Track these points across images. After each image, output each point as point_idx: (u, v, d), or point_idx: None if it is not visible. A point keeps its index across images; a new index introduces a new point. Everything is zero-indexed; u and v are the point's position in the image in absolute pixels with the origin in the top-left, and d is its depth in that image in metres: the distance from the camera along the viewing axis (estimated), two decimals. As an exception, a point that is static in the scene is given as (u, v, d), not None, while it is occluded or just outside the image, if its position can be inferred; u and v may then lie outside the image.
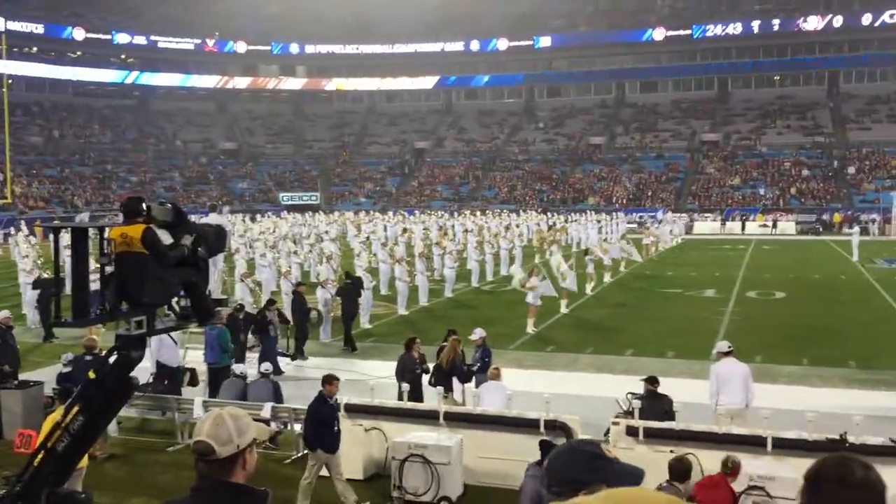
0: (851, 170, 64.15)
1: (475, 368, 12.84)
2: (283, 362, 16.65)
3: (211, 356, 13.83)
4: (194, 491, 2.87)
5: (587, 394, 14.27)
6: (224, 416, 2.86)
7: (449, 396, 12.03)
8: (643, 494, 1.45)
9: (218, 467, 2.80)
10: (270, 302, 17.18)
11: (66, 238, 7.33)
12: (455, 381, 12.47)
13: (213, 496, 2.81)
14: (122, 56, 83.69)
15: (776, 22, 76.57)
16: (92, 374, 6.62)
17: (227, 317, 16.43)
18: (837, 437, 8.94)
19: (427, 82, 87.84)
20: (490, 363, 12.59)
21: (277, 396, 12.05)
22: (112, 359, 6.68)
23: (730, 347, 11.39)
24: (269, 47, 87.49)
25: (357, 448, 10.45)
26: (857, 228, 41.74)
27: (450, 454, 9.57)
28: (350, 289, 19.17)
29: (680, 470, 6.93)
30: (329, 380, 9.77)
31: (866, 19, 72.98)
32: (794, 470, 8.21)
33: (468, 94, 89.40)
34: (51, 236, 8.52)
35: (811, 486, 2.10)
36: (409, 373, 12.01)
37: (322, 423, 9.42)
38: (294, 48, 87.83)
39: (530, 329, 20.09)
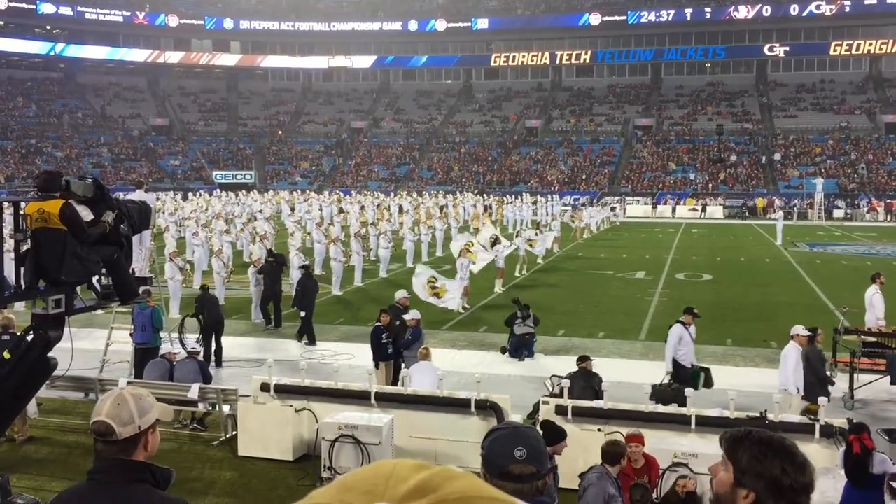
0: (777, 156, 66.02)
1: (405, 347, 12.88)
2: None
3: (142, 336, 13.25)
4: (91, 474, 2.74)
5: (518, 374, 14.45)
6: (125, 395, 2.75)
7: None
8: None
9: (118, 449, 2.69)
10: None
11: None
12: None
13: (111, 476, 2.69)
14: (48, 27, 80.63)
15: (708, 10, 78.10)
16: (7, 355, 6.40)
17: None
18: (758, 414, 9.23)
19: (365, 61, 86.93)
20: (421, 344, 12.59)
21: (205, 377, 11.84)
22: (29, 338, 6.47)
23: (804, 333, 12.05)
24: (202, 21, 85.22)
25: (287, 429, 10.37)
26: (780, 213, 42.98)
27: (380, 434, 9.57)
28: (273, 268, 18.55)
29: (613, 454, 7.12)
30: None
31: (794, 9, 74.96)
32: (717, 447, 8.43)
33: (406, 74, 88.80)
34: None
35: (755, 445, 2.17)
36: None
37: None
38: (228, 23, 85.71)
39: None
